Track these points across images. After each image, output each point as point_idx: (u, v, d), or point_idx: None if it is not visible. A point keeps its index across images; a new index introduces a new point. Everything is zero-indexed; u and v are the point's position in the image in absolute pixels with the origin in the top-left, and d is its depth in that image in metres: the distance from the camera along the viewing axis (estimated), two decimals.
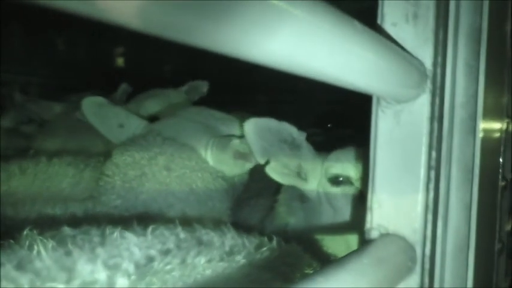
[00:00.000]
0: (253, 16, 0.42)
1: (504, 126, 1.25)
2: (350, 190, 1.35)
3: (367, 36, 0.63)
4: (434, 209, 0.85)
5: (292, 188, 1.52)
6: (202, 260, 0.84)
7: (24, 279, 0.68)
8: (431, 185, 0.85)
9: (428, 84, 0.83)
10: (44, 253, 0.72)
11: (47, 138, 2.29)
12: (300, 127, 1.46)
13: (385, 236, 0.87)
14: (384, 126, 0.87)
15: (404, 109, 0.85)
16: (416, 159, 0.85)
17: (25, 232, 0.78)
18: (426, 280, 0.86)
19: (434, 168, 0.84)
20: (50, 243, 0.74)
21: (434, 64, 0.83)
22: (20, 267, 0.69)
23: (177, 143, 1.48)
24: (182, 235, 0.93)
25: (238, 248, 0.94)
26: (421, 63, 0.81)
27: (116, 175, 1.44)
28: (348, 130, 2.47)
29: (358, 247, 0.88)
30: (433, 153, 0.84)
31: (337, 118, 3.26)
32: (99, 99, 1.72)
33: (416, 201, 0.85)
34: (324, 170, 1.40)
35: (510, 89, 1.28)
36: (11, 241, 0.76)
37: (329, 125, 3.12)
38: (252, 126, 1.39)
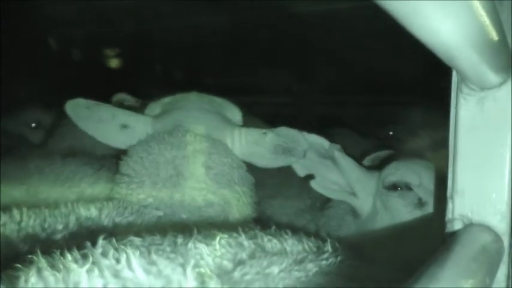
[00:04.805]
0: None
1: None
2: (408, 195, 1.33)
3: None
4: None
5: (344, 203, 1.50)
6: (276, 269, 0.80)
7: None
8: None
9: None
10: (135, 262, 0.66)
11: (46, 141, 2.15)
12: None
13: (470, 227, 0.84)
14: (466, 114, 0.84)
15: (488, 96, 0.82)
16: (502, 147, 0.82)
17: (100, 241, 0.73)
18: None
19: None
20: (137, 253, 0.69)
21: None
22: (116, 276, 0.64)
23: (209, 139, 1.40)
24: (246, 243, 0.89)
25: (303, 254, 0.90)
26: (509, 48, 0.79)
27: (144, 176, 1.35)
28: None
29: (442, 241, 0.84)
30: None
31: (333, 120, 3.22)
32: (82, 101, 1.49)
33: (503, 191, 0.83)
34: (382, 180, 1.38)
35: None
36: (92, 248, 0.70)
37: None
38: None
